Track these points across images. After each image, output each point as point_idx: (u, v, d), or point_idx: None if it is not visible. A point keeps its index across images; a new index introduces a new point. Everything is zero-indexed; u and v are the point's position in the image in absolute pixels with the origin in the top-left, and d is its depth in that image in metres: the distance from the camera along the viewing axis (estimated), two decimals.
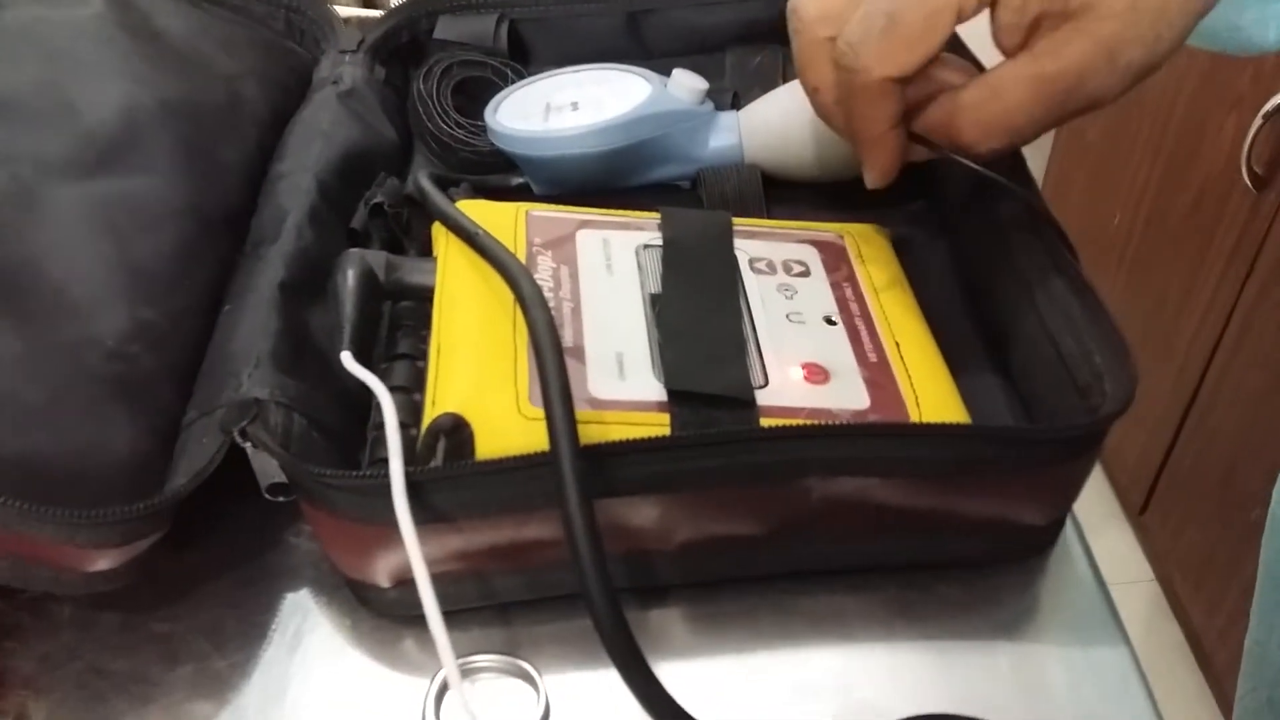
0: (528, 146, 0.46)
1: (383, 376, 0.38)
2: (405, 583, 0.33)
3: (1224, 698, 1.22)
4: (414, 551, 0.30)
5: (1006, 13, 0.34)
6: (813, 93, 0.39)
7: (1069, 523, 0.38)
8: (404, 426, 0.36)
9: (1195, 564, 1.25)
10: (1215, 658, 1.23)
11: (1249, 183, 1.04)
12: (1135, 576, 1.39)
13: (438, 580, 0.34)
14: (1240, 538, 1.11)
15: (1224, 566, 1.18)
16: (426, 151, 0.50)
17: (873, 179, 0.39)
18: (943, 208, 0.47)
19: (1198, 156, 1.15)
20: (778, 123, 0.46)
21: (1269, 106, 0.98)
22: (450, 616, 0.33)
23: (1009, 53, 0.36)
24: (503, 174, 0.48)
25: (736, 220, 0.42)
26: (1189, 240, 1.18)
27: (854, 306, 0.39)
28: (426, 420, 0.33)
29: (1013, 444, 0.32)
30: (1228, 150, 1.08)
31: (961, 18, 0.34)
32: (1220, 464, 1.16)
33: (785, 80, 0.50)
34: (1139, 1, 0.33)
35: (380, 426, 0.33)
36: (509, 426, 0.33)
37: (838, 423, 0.33)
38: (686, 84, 0.46)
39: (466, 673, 0.34)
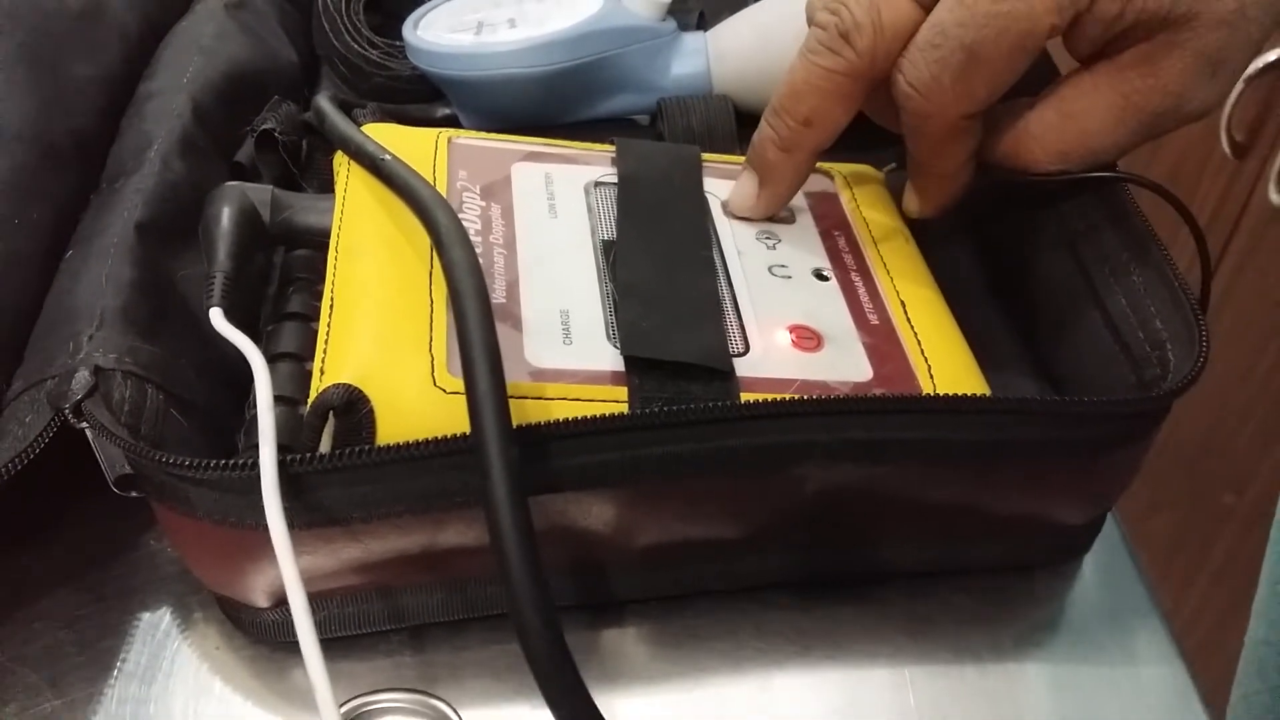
0: (454, 65, 0.38)
1: (268, 341, 0.31)
2: (287, 602, 0.26)
3: (1199, 686, 1.19)
4: (288, 565, 0.23)
5: (1095, 25, 0.28)
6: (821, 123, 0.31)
7: (1110, 520, 0.31)
8: (290, 403, 0.29)
9: (1164, 548, 1.21)
10: (1184, 642, 1.19)
11: (1228, 150, 0.99)
12: None
13: (331, 599, 0.27)
14: (1211, 522, 1.08)
15: (1195, 551, 1.14)
16: (334, 77, 0.43)
17: (926, 209, 0.34)
18: None
19: None
20: (753, 46, 0.40)
21: (1251, 70, 0.93)
22: (349, 643, 0.28)
23: (1083, 60, 0.30)
24: (425, 104, 0.41)
25: (707, 155, 0.35)
26: (1164, 211, 1.13)
27: (849, 259, 0.33)
28: (314, 394, 0.26)
29: (1058, 422, 0.26)
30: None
31: (1051, 35, 0.28)
32: (1192, 446, 1.12)
33: None
34: (1247, 4, 0.27)
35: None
36: (420, 402, 0.25)
37: (837, 396, 0.26)
38: None
39: (367, 715, 0.27)
